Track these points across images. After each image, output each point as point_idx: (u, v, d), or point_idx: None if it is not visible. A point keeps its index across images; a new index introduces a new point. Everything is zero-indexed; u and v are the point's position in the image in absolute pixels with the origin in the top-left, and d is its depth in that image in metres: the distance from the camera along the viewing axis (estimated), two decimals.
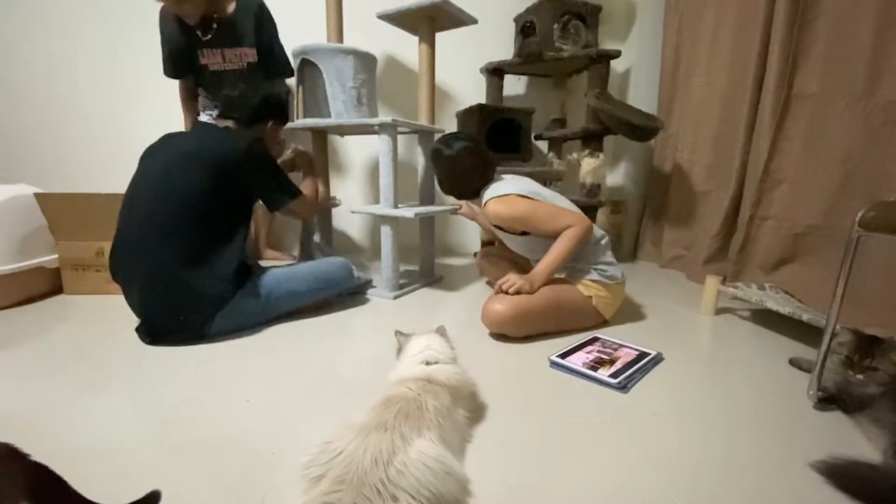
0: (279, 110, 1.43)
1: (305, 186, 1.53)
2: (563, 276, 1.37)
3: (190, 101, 1.92)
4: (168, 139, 1.28)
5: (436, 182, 1.55)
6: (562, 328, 1.32)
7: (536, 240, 1.37)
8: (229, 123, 1.32)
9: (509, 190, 1.35)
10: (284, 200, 1.35)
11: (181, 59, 1.78)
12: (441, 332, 0.93)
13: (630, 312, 1.53)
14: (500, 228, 1.41)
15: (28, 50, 2.21)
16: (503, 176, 1.48)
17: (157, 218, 1.15)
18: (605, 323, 1.38)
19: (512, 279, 1.27)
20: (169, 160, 1.19)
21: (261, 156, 1.27)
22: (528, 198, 1.32)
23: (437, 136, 1.54)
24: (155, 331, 1.20)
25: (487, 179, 1.45)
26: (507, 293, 1.25)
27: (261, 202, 1.35)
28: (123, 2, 2.19)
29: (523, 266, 1.55)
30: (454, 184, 1.46)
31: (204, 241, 1.18)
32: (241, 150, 1.22)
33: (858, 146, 1.35)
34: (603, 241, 1.38)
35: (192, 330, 1.19)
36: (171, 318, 1.17)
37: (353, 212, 1.79)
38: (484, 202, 1.39)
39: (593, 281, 1.33)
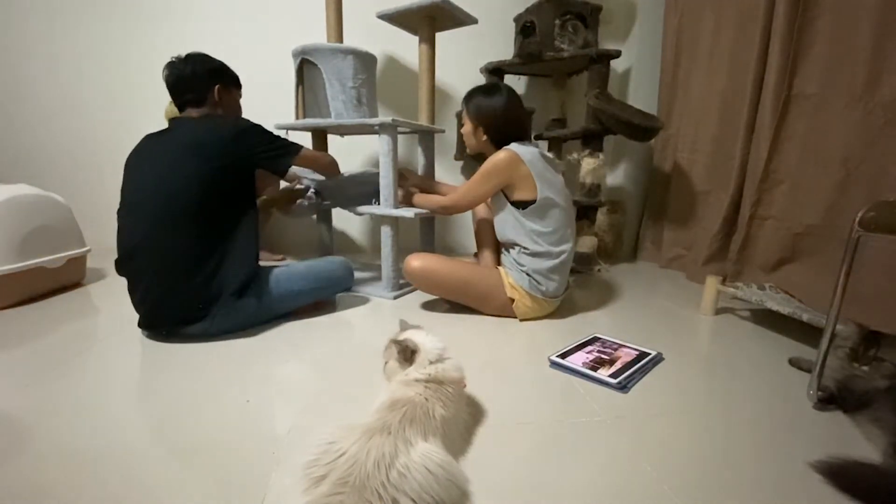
0: (219, 71, 1.32)
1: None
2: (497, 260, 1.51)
3: None
4: (153, 139, 1.25)
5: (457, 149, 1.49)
6: (469, 305, 1.44)
7: (494, 206, 1.44)
8: (193, 111, 1.28)
9: (517, 146, 1.33)
10: (289, 159, 1.33)
11: None
12: (403, 325, 0.90)
13: (630, 312, 1.53)
14: None
15: (30, 50, 2.21)
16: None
17: (161, 221, 1.14)
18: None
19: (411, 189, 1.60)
20: (164, 159, 1.18)
21: (249, 127, 1.26)
22: (516, 164, 1.30)
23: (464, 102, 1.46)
24: (161, 324, 1.20)
25: (528, 125, 1.45)
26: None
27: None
28: (127, 1, 2.19)
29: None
30: (501, 131, 1.38)
31: (210, 238, 1.18)
32: (230, 129, 1.22)
33: (858, 146, 1.36)
34: (560, 258, 1.34)
35: (202, 325, 1.18)
36: (183, 313, 1.17)
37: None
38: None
39: (522, 287, 1.35)
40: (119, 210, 1.20)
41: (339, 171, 1.58)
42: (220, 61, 1.34)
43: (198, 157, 1.17)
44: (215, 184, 1.18)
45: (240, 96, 1.43)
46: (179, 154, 1.17)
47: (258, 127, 1.29)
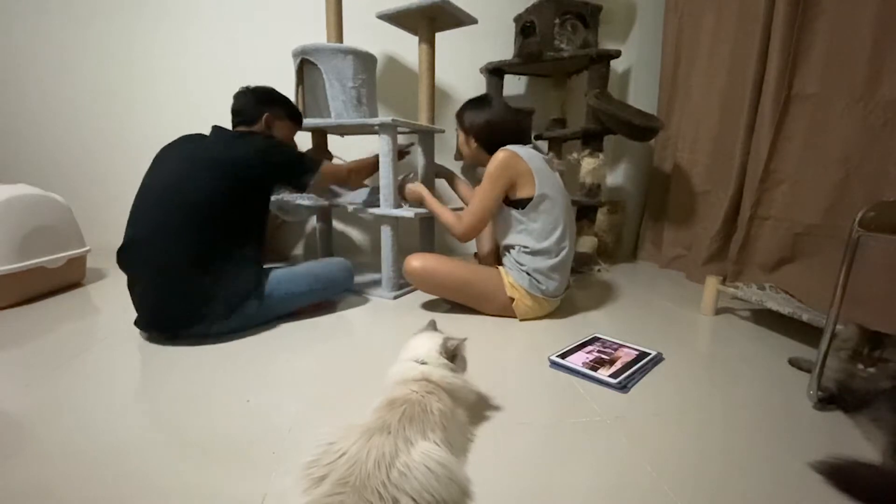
0: (274, 100, 1.39)
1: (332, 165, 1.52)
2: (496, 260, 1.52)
3: None
4: (185, 141, 1.28)
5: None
6: (469, 305, 1.45)
7: (497, 213, 1.42)
8: (242, 129, 1.35)
9: (517, 147, 1.35)
10: (310, 176, 1.36)
11: None
12: (431, 325, 0.92)
13: (630, 312, 1.53)
14: None
15: (30, 49, 2.21)
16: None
17: (172, 219, 1.15)
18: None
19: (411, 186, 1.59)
20: (186, 163, 1.21)
21: (271, 145, 1.29)
22: (517, 161, 1.32)
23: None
24: (160, 326, 1.20)
25: (520, 130, 1.45)
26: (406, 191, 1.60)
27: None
28: (128, 2, 2.19)
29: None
30: (492, 139, 1.41)
31: (217, 244, 1.19)
32: (255, 148, 1.25)
33: (858, 146, 1.36)
34: (560, 257, 1.35)
35: (201, 327, 1.18)
36: (182, 316, 1.17)
37: (352, 209, 1.78)
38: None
39: (522, 287, 1.35)
40: (134, 200, 1.22)
41: (362, 181, 1.63)
42: (281, 95, 1.41)
43: (218, 170, 1.19)
44: (227, 198, 1.19)
45: (294, 130, 1.47)
46: (202, 163, 1.20)
47: (282, 146, 1.34)
